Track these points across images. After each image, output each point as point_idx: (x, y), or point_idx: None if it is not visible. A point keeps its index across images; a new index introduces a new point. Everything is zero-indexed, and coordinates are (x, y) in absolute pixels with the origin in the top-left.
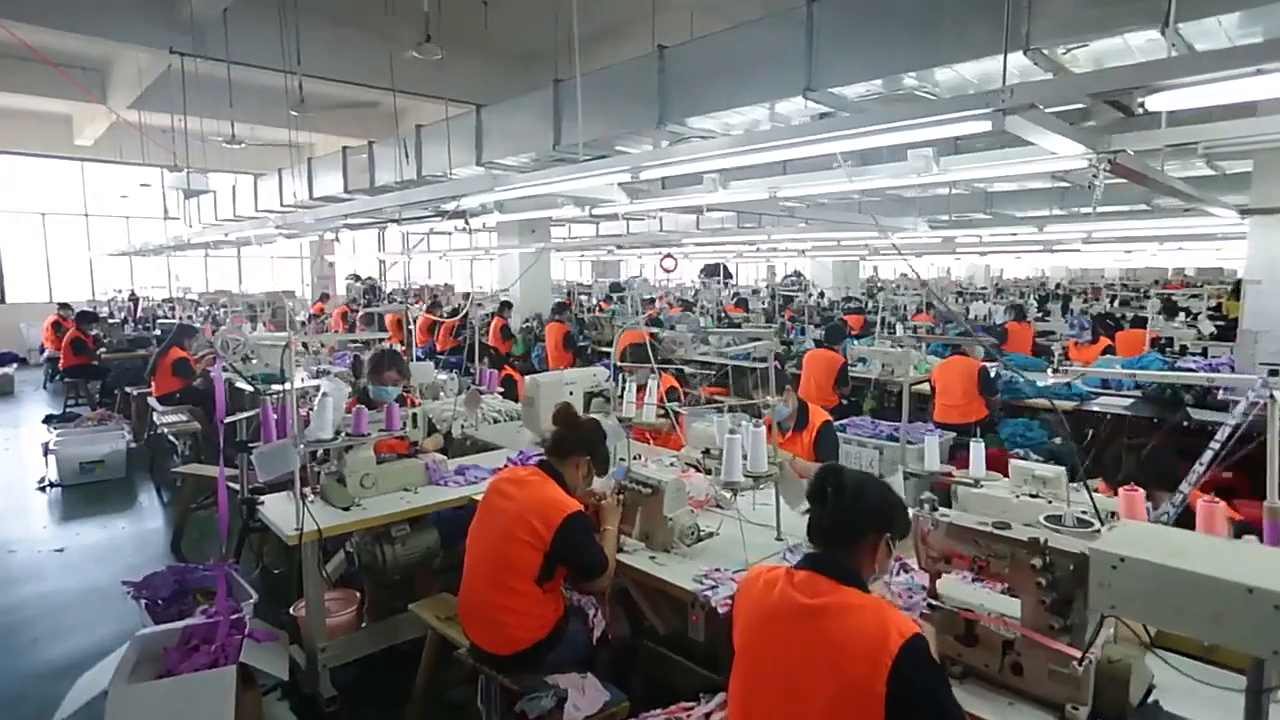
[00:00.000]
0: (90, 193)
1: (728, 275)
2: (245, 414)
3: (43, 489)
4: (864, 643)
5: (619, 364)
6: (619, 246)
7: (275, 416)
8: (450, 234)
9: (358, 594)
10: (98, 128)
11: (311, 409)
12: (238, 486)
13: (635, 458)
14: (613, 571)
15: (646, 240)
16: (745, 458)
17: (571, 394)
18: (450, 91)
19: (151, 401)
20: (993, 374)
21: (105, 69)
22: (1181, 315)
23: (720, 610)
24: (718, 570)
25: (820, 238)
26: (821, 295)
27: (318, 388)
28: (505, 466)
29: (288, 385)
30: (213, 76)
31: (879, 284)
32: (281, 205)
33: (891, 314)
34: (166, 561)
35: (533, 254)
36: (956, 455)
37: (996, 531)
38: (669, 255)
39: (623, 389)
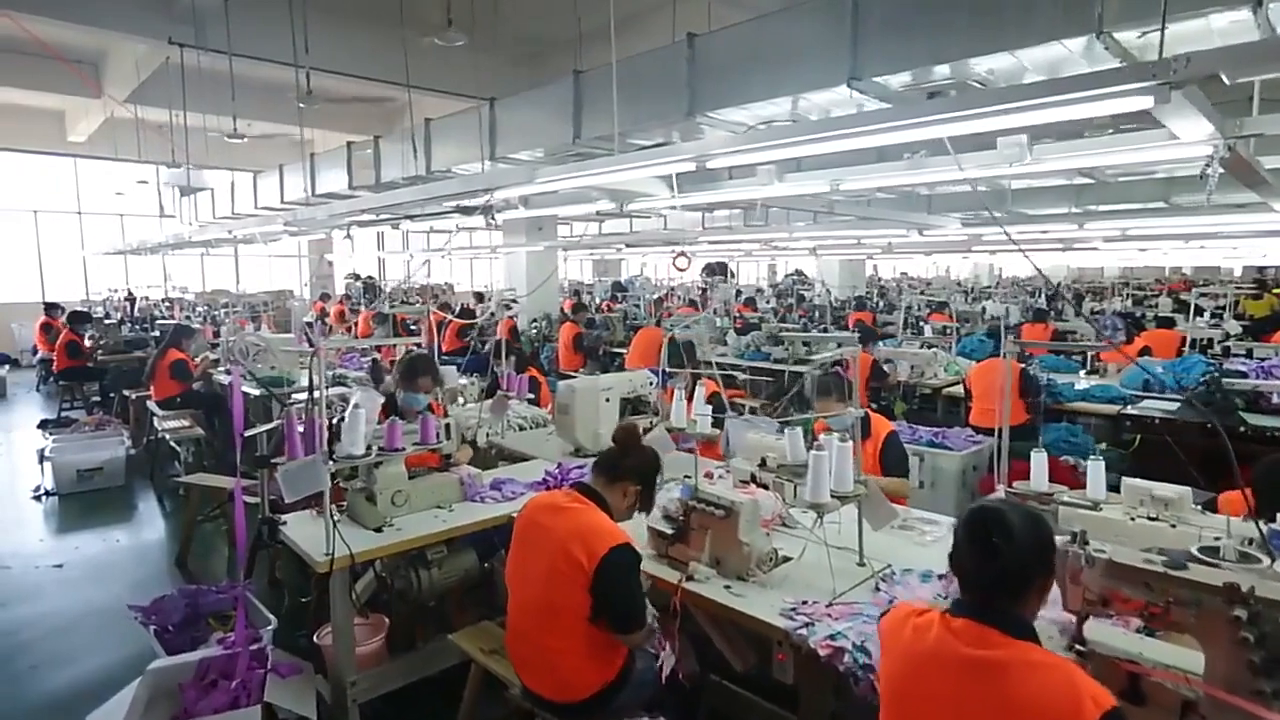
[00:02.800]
0: (83, 190)
1: (725, 273)
2: (265, 426)
3: (38, 498)
4: (1053, 711)
5: (667, 369)
6: (628, 245)
7: (299, 429)
8: (452, 232)
9: (386, 620)
10: (91, 123)
11: (341, 419)
12: (252, 500)
13: (706, 476)
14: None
15: (660, 238)
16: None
17: (608, 400)
18: (459, 86)
19: (151, 406)
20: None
21: (100, 62)
22: (1206, 314)
23: (821, 653)
24: (806, 603)
25: (843, 235)
26: (828, 294)
27: (343, 398)
28: (544, 480)
29: (317, 395)
30: (211, 70)
31: (879, 282)
32: (283, 202)
33: (905, 312)
34: (171, 578)
35: (541, 252)
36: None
37: (1174, 573)
38: (682, 254)
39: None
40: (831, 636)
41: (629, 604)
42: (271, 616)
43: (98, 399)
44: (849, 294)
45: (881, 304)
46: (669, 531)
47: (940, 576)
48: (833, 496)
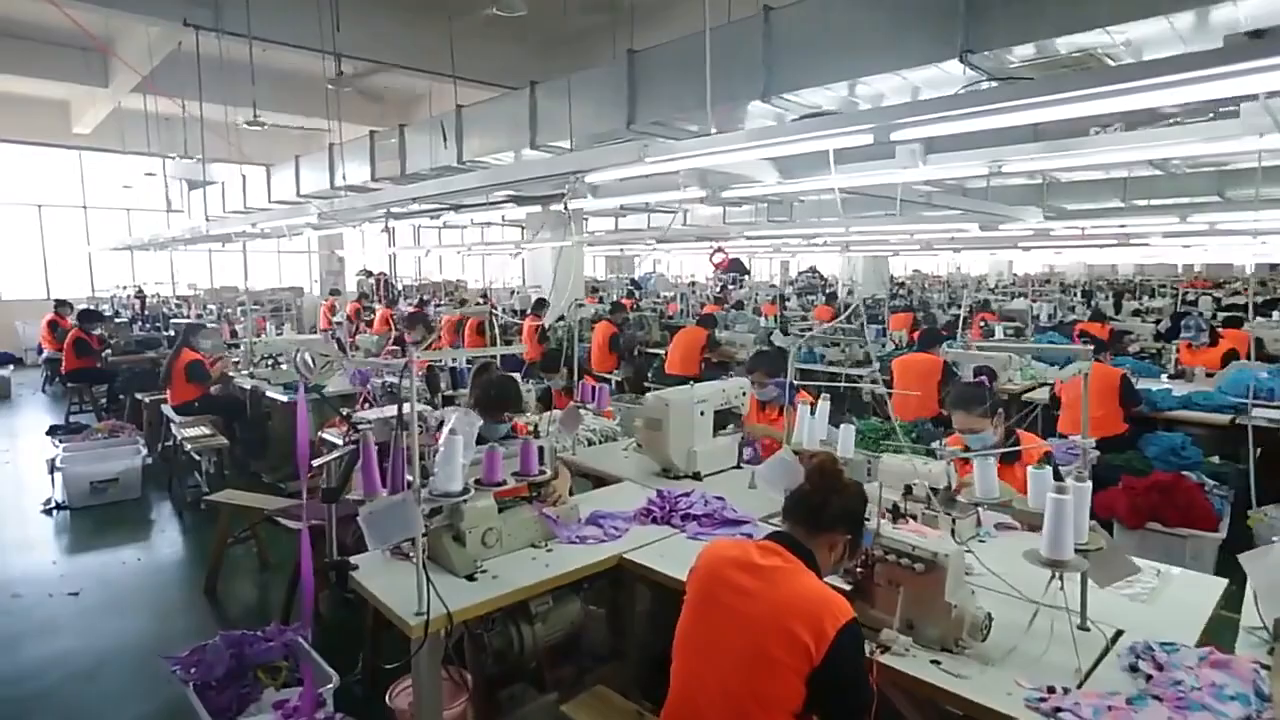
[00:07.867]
0: (89, 184)
1: (745, 271)
2: (331, 455)
3: (48, 512)
4: None
5: (794, 382)
6: (660, 241)
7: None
8: (465, 227)
9: (467, 675)
10: (98, 114)
11: (437, 445)
12: (293, 524)
13: (883, 516)
14: None
15: (692, 233)
16: None
17: (703, 414)
18: (490, 74)
19: (167, 411)
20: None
21: (107, 49)
22: (1274, 315)
23: None
24: (1054, 690)
25: (896, 229)
26: (851, 293)
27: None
28: (648, 509)
29: (409, 417)
30: (226, 57)
31: (901, 280)
32: (299, 195)
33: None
34: (199, 608)
35: (569, 247)
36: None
37: None
38: (719, 249)
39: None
40: None
41: (859, 696)
42: (332, 672)
43: (106, 402)
44: (871, 292)
45: (911, 301)
46: (845, 587)
47: (1213, 659)
48: (1079, 551)
